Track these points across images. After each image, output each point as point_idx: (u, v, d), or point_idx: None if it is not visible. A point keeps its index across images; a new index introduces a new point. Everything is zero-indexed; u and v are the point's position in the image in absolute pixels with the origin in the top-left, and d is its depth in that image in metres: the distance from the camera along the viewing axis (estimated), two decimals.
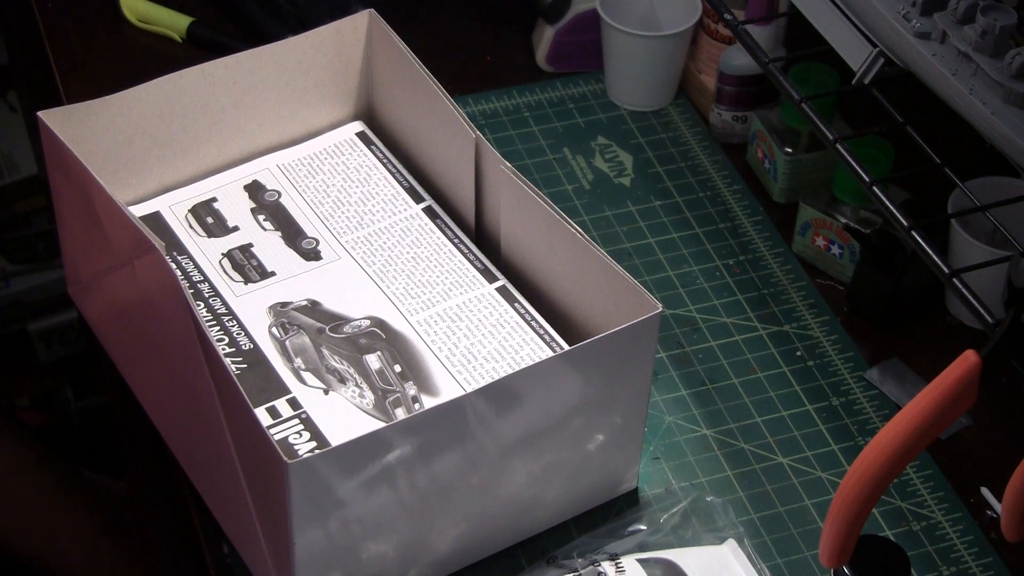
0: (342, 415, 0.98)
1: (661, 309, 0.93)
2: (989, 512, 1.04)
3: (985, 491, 1.05)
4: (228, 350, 1.01)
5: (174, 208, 1.12)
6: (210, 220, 1.12)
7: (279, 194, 1.14)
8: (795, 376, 1.12)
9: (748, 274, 1.20)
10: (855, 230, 1.15)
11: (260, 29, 1.36)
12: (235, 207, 1.13)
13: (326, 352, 1.02)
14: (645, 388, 0.98)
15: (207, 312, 1.04)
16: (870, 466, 0.80)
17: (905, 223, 0.91)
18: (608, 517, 1.02)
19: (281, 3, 1.37)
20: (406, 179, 1.15)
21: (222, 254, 1.09)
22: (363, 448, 0.86)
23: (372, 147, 1.18)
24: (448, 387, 0.99)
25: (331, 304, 1.05)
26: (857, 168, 0.95)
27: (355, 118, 1.20)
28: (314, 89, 1.16)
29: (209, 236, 1.10)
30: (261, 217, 1.12)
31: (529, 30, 1.41)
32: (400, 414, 0.98)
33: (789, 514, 1.03)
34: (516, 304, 1.05)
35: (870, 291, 1.15)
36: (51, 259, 2.00)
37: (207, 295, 1.06)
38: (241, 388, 0.86)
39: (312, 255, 1.09)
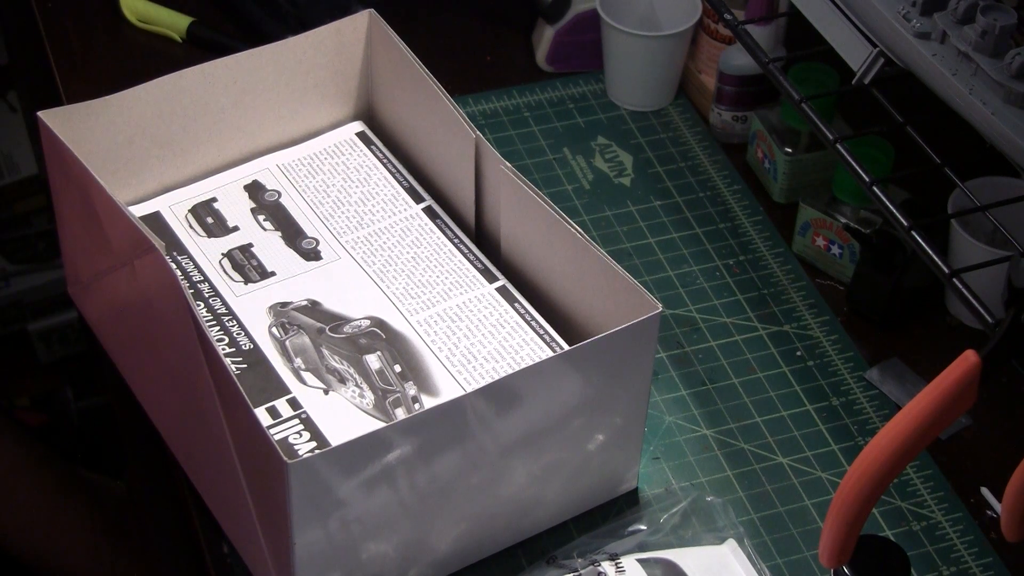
0: (342, 415, 0.98)
1: (661, 309, 0.93)
2: (989, 512, 1.04)
3: (985, 491, 1.05)
4: (228, 350, 1.01)
5: (174, 208, 1.12)
6: (210, 220, 1.12)
7: (279, 194, 1.14)
8: (795, 376, 1.12)
9: (748, 274, 1.20)
10: (855, 230, 1.15)
11: (260, 29, 1.36)
12: (235, 207, 1.13)
13: (326, 352, 1.02)
14: (645, 388, 0.98)
15: (207, 312, 1.04)
16: (870, 466, 0.80)
17: (905, 223, 0.91)
18: (608, 517, 1.02)
19: (281, 3, 1.37)
20: (406, 179, 1.15)
21: (222, 254, 1.09)
22: (363, 448, 0.86)
23: (372, 147, 1.18)
24: (448, 387, 0.99)
25: (331, 304, 1.05)
26: (857, 168, 0.95)
27: (355, 118, 1.20)
28: (314, 89, 1.16)
29: (209, 236, 1.10)
30: (261, 217, 1.12)
31: (529, 30, 1.41)
32: (400, 414, 0.98)
33: (789, 514, 1.03)
34: (516, 304, 1.05)
35: (870, 291, 1.15)
36: (51, 259, 2.00)
37: (207, 295, 1.06)
38: (241, 388, 0.86)
39: (312, 255, 1.09)
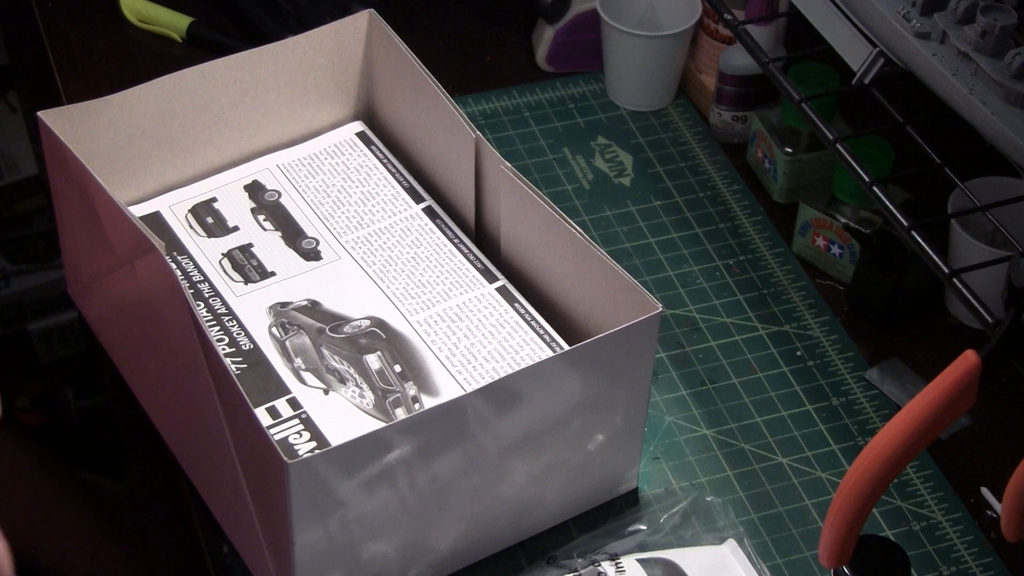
0: (342, 415, 0.98)
1: (661, 309, 0.93)
2: (989, 512, 1.04)
3: (985, 491, 1.05)
4: (228, 350, 1.01)
5: (174, 208, 1.12)
6: (210, 220, 1.12)
7: (279, 194, 1.14)
8: (795, 376, 1.12)
9: (748, 274, 1.20)
10: (855, 230, 1.15)
11: (260, 29, 1.36)
12: (235, 207, 1.13)
13: (326, 352, 1.02)
14: (645, 388, 0.98)
15: (207, 312, 1.04)
16: (870, 466, 0.80)
17: (905, 223, 0.91)
18: (608, 517, 1.02)
19: (281, 3, 1.37)
20: (406, 179, 1.15)
21: (222, 254, 1.09)
22: (363, 448, 0.86)
23: (372, 147, 1.18)
24: (448, 387, 0.99)
25: (331, 304, 1.05)
26: (857, 168, 0.95)
27: (355, 118, 1.20)
28: (314, 89, 1.16)
29: (209, 236, 1.10)
30: (261, 217, 1.12)
31: (529, 30, 1.41)
32: (400, 414, 0.98)
33: (789, 514, 1.03)
34: (516, 304, 1.05)
35: (870, 291, 1.15)
36: (51, 259, 1.99)
37: (207, 295, 1.06)
38: (241, 388, 0.86)
39: (312, 255, 1.09)
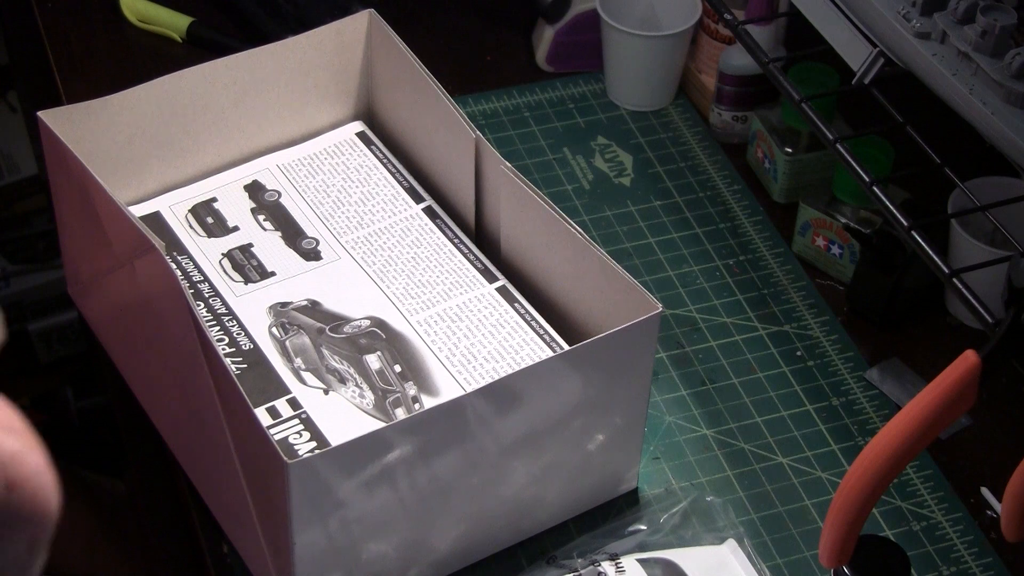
0: (342, 415, 0.97)
1: (661, 309, 0.93)
2: (989, 512, 1.04)
3: (985, 491, 1.05)
4: (228, 350, 1.01)
5: (174, 208, 1.12)
6: (210, 220, 1.12)
7: (279, 194, 1.14)
8: (795, 376, 1.12)
9: (748, 274, 1.20)
10: (855, 230, 1.15)
11: (260, 29, 1.36)
12: (235, 207, 1.13)
13: (326, 352, 1.02)
14: (645, 388, 0.98)
15: (207, 312, 1.04)
16: (870, 466, 0.80)
17: (905, 223, 0.91)
18: (608, 517, 1.02)
19: (281, 3, 1.37)
20: (406, 179, 1.15)
21: (222, 254, 1.09)
22: (363, 448, 0.86)
23: (372, 147, 1.18)
24: (448, 387, 0.99)
25: (331, 304, 1.05)
26: (857, 168, 0.95)
27: (355, 118, 1.20)
28: (314, 89, 1.16)
29: (209, 236, 1.10)
30: (261, 217, 1.12)
31: (529, 30, 1.41)
32: (400, 414, 0.98)
33: (789, 514, 1.03)
34: (516, 304, 1.05)
35: (870, 291, 1.15)
36: (51, 259, 1.99)
37: (207, 295, 1.06)
38: (241, 388, 0.86)
39: (312, 255, 1.09)
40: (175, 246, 1.09)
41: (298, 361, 1.01)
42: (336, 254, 1.09)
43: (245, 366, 1.00)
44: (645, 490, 1.04)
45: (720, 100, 1.30)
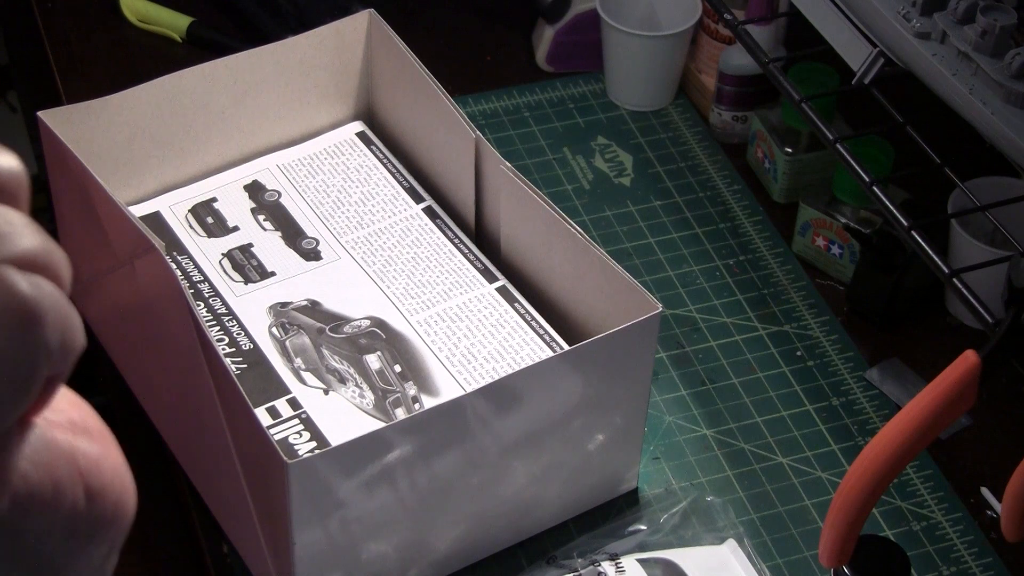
0: (342, 415, 0.97)
1: (661, 309, 0.93)
2: (989, 512, 1.04)
3: (985, 491, 1.05)
4: (228, 350, 1.01)
5: (174, 208, 1.12)
6: (210, 220, 1.12)
7: (279, 194, 1.14)
8: (795, 376, 1.12)
9: (748, 274, 1.20)
10: (855, 230, 1.15)
11: (260, 29, 1.36)
12: (235, 207, 1.13)
13: (326, 352, 1.02)
14: (645, 388, 0.98)
15: (207, 312, 1.04)
16: (870, 466, 0.80)
17: (905, 223, 0.91)
18: (608, 517, 1.02)
19: (281, 3, 1.37)
20: (406, 179, 1.15)
21: (222, 254, 1.09)
22: (363, 448, 0.86)
23: (372, 147, 1.18)
24: (448, 387, 0.99)
25: (331, 304, 1.05)
26: (857, 168, 0.95)
27: (355, 118, 1.20)
28: (314, 89, 1.16)
29: (209, 236, 1.10)
30: (261, 217, 1.12)
31: (529, 30, 1.41)
32: (400, 414, 0.97)
33: (789, 514, 1.03)
34: (516, 304, 1.05)
35: (870, 291, 1.15)
36: None
37: (207, 295, 1.06)
38: (241, 388, 0.86)
39: (312, 255, 1.09)
40: (175, 246, 1.09)
41: (298, 361, 1.01)
42: (336, 254, 1.09)
43: (245, 366, 1.00)
44: (645, 490, 1.04)
45: (720, 100, 1.30)
